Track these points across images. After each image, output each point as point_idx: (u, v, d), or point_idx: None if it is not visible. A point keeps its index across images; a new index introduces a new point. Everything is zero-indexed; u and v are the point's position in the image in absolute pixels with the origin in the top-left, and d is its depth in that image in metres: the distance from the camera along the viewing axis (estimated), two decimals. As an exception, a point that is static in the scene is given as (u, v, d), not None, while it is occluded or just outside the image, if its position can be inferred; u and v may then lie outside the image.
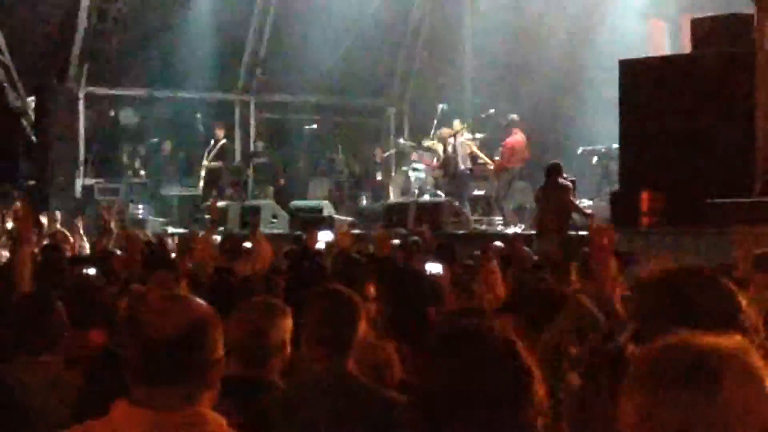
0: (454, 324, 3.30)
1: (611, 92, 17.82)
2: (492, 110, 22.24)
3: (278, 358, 4.96)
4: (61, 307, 5.53)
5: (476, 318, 5.07)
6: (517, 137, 20.62)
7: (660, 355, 2.19)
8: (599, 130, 20.94)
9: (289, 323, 5.02)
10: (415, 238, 14.41)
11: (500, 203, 20.87)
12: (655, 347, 2.21)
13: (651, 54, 18.94)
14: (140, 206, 24.18)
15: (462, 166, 21.97)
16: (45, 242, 15.27)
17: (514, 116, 20.95)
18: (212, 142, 24.64)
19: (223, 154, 24.75)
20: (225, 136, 24.84)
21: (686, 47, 18.41)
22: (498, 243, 14.64)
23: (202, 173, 24.59)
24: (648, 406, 2.13)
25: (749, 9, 16.48)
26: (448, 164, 22.10)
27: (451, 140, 21.98)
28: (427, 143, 23.76)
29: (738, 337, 2.23)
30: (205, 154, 24.55)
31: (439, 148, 22.77)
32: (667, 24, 22.62)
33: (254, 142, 26.53)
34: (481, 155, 22.27)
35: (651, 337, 2.31)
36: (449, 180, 22.11)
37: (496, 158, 21.35)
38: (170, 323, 3.16)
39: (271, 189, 24.91)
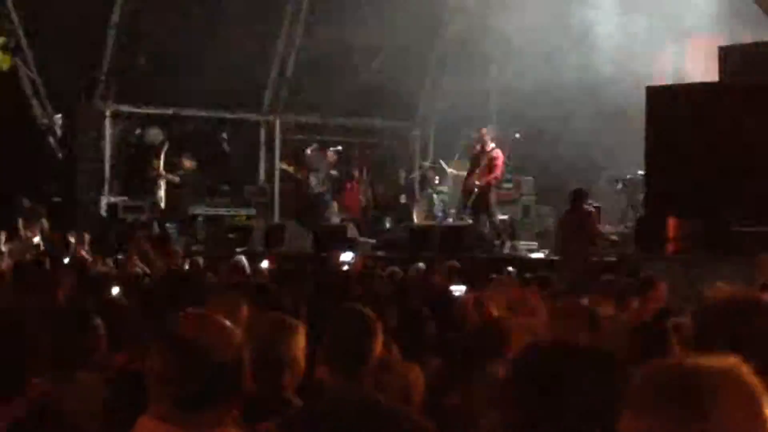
0: None
1: (638, 118, 17.75)
2: (517, 135, 22.19)
3: (291, 375, 4.96)
4: (99, 323, 5.54)
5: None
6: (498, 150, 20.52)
7: (658, 375, 2.23)
8: (625, 157, 20.86)
9: (301, 339, 5.01)
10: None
11: (495, 219, 20.69)
12: (653, 368, 2.25)
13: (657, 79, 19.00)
14: (166, 225, 24.17)
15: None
16: (66, 260, 15.30)
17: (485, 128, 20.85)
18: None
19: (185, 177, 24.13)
20: (195, 162, 24.34)
21: (693, 71, 18.39)
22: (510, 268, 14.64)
23: (162, 183, 23.86)
24: (644, 423, 2.17)
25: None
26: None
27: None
28: (450, 167, 23.77)
29: (733, 358, 2.24)
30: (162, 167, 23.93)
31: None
32: (675, 48, 22.59)
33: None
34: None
35: None
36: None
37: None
38: (225, 350, 3.17)
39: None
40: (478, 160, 20.60)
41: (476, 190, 20.34)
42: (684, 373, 2.20)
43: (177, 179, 23.33)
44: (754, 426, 2.15)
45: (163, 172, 23.49)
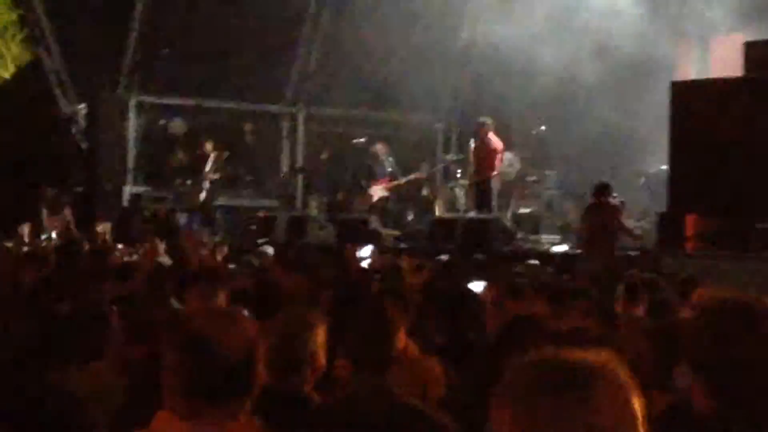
0: None
1: (661, 113, 17.68)
2: (543, 127, 22.12)
3: (310, 371, 4.95)
4: (115, 317, 5.56)
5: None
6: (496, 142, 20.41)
7: (535, 366, 2.27)
8: (649, 152, 20.78)
9: (321, 334, 5.00)
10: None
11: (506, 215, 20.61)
12: (530, 359, 2.29)
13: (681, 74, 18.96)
14: (185, 215, 24.21)
15: None
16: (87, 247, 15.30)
17: (488, 119, 20.70)
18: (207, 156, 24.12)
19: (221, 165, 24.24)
20: (214, 149, 24.36)
21: (714, 69, 18.31)
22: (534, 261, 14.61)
23: (207, 185, 24.09)
24: (523, 415, 2.21)
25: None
26: None
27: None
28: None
29: (607, 352, 2.30)
30: (208, 167, 24.02)
31: None
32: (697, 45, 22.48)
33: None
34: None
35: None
36: None
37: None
38: (237, 344, 3.18)
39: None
40: (479, 153, 20.54)
41: (477, 185, 20.38)
42: (564, 365, 2.24)
43: (217, 176, 23.63)
44: (624, 417, 2.21)
45: (211, 174, 23.68)
